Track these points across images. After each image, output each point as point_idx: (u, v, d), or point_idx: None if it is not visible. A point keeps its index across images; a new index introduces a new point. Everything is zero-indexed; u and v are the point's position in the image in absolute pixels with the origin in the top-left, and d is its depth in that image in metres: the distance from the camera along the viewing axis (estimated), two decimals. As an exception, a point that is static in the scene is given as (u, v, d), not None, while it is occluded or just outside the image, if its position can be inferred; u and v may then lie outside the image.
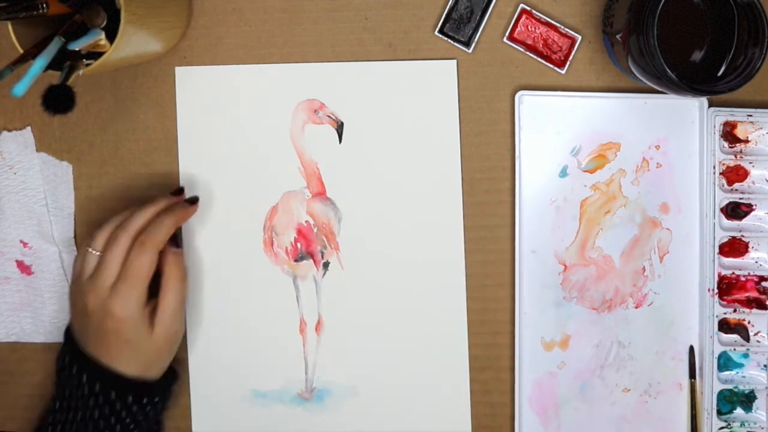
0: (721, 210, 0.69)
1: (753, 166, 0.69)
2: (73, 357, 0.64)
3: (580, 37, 0.68)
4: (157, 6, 0.61)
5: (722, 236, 0.68)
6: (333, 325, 0.71)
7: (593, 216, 0.69)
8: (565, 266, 0.70)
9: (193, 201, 0.69)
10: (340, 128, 0.70)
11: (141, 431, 0.65)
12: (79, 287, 0.64)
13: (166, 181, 0.70)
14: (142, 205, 0.65)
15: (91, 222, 0.70)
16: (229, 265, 0.71)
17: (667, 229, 0.69)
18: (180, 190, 0.69)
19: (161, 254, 0.64)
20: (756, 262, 0.69)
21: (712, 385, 0.68)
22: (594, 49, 0.69)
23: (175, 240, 0.67)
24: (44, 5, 0.54)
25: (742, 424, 0.69)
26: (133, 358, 0.63)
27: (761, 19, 0.58)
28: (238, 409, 0.71)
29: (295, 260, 0.71)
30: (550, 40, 0.68)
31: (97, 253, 0.64)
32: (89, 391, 0.63)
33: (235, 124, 0.70)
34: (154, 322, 0.64)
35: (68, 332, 0.67)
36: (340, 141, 0.69)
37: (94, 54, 0.57)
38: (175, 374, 0.68)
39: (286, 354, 0.71)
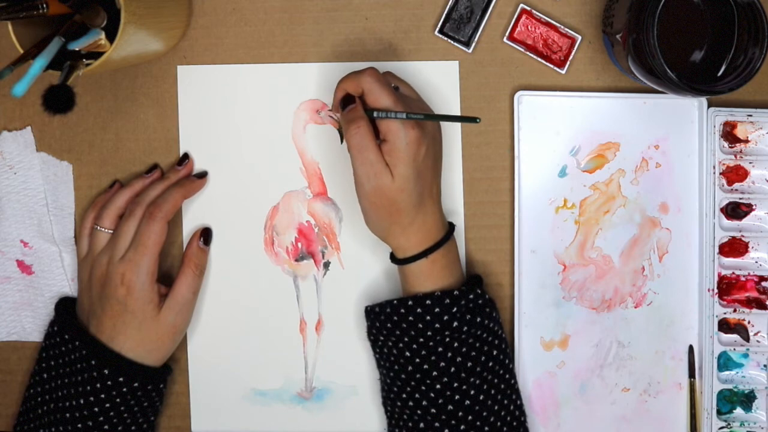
0: (721, 210, 0.69)
1: (753, 166, 0.69)
2: (64, 326, 0.66)
3: (580, 37, 0.68)
4: (157, 6, 0.61)
5: (722, 236, 0.68)
6: (333, 325, 0.71)
7: (592, 216, 0.69)
8: (565, 266, 0.70)
9: (201, 176, 0.70)
10: (341, 128, 0.70)
11: (130, 412, 0.65)
12: (89, 261, 0.67)
13: (166, 180, 0.71)
14: (137, 178, 0.69)
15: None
16: (230, 264, 0.71)
17: (667, 228, 0.69)
18: (184, 157, 0.70)
19: (187, 247, 0.69)
20: (756, 262, 0.69)
21: (711, 384, 0.68)
22: (594, 49, 0.69)
23: (206, 237, 0.69)
24: (44, 5, 0.54)
25: (742, 424, 0.69)
26: (135, 335, 0.64)
27: (761, 19, 0.58)
28: (238, 407, 0.71)
29: (296, 260, 0.71)
30: (550, 40, 0.68)
31: (106, 231, 0.66)
32: (80, 357, 0.64)
33: (236, 123, 0.70)
34: (164, 305, 0.65)
35: (58, 307, 0.69)
36: (342, 141, 0.69)
37: (94, 54, 0.57)
38: (168, 370, 0.68)
39: (286, 353, 0.71)
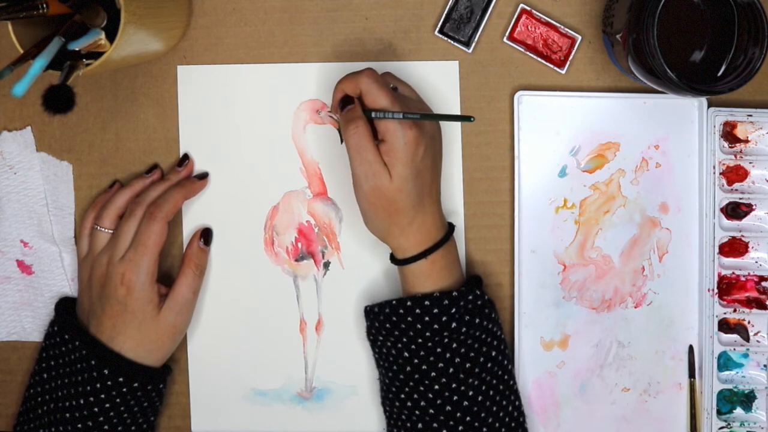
0: (721, 210, 0.69)
1: (753, 166, 0.69)
2: (64, 326, 0.66)
3: (580, 37, 0.68)
4: (157, 6, 0.61)
5: (722, 236, 0.68)
6: (333, 325, 0.71)
7: (593, 216, 0.69)
8: (565, 266, 0.70)
9: (202, 177, 0.70)
10: (341, 128, 0.70)
11: (129, 412, 0.65)
12: (89, 261, 0.67)
13: (166, 180, 0.71)
14: (137, 178, 0.69)
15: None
16: (230, 264, 0.71)
17: (667, 228, 0.69)
18: (185, 157, 0.70)
19: (187, 247, 0.69)
20: (756, 262, 0.69)
21: (711, 384, 0.68)
22: (594, 49, 0.69)
23: (206, 237, 0.70)
24: (44, 5, 0.54)
25: (742, 424, 0.69)
26: (135, 335, 0.64)
27: (761, 19, 0.58)
28: (238, 407, 0.71)
29: (296, 260, 0.71)
30: (550, 40, 0.68)
31: (106, 231, 0.66)
32: (80, 357, 0.64)
33: (236, 123, 0.70)
34: (164, 305, 0.65)
35: (58, 307, 0.69)
36: (342, 141, 0.69)
37: (94, 54, 0.57)
38: (168, 370, 0.68)
39: (286, 353, 0.71)
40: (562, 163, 0.69)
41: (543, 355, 0.70)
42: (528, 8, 0.68)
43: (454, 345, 0.61)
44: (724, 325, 0.69)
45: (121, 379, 0.63)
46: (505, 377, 0.64)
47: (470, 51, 0.69)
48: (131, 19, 0.56)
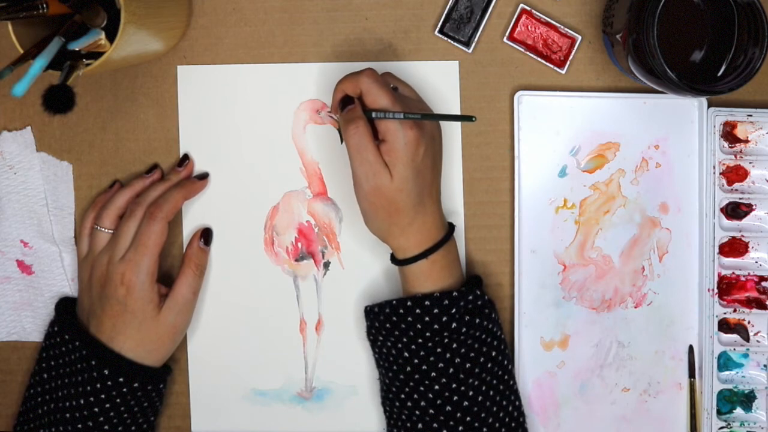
0: (721, 210, 0.69)
1: (753, 166, 0.69)
2: (64, 326, 0.66)
3: (580, 37, 0.68)
4: (157, 6, 0.61)
5: (722, 236, 0.68)
6: (333, 325, 0.71)
7: (593, 216, 0.69)
8: (565, 266, 0.70)
9: (203, 177, 0.70)
10: (341, 128, 0.70)
11: (130, 412, 0.65)
12: (89, 261, 0.67)
13: (166, 180, 0.71)
14: (138, 178, 0.69)
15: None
16: (230, 264, 0.71)
17: (667, 228, 0.69)
18: (185, 158, 0.70)
19: (187, 247, 0.69)
20: (756, 262, 0.69)
21: (711, 384, 0.68)
22: (594, 49, 0.69)
23: (206, 237, 0.70)
24: (44, 5, 0.54)
25: (742, 424, 0.69)
26: (135, 335, 0.64)
27: (761, 19, 0.58)
28: (238, 407, 0.71)
29: (296, 260, 0.71)
30: (550, 40, 0.68)
31: (106, 231, 0.66)
32: (80, 357, 0.64)
33: (236, 123, 0.70)
34: (164, 305, 0.65)
35: (58, 307, 0.69)
36: (342, 141, 0.69)
37: (94, 54, 0.57)
38: (168, 370, 0.68)
39: (286, 353, 0.71)
40: (562, 163, 0.69)
41: (543, 355, 0.70)
42: (528, 8, 0.68)
43: (454, 345, 0.61)
44: (724, 325, 0.69)
45: (121, 379, 0.63)
46: (505, 377, 0.64)
47: (470, 51, 0.69)
48: (131, 19, 0.56)
